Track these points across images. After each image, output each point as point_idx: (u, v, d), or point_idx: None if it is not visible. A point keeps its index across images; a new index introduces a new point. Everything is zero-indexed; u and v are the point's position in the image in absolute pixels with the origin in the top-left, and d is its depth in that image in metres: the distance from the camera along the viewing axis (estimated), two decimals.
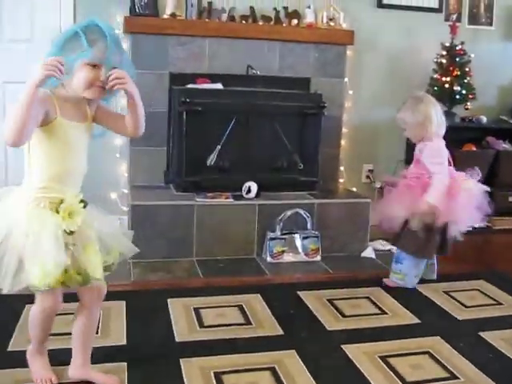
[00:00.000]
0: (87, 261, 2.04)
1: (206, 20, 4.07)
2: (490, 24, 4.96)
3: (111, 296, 2.99)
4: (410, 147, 4.65)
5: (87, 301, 2.21)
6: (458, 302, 3.20)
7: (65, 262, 1.94)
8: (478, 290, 3.40)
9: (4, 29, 4.01)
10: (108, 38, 1.94)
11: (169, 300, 3.01)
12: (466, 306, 3.14)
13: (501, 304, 3.20)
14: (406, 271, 3.30)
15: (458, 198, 3.20)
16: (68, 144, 2.03)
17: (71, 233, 1.99)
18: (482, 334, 2.78)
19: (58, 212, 1.99)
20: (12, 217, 1.99)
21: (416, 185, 3.23)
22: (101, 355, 2.40)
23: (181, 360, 2.40)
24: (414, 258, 3.28)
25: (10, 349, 2.45)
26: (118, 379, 2.24)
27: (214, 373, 2.33)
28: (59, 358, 2.31)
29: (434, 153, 3.23)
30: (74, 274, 2.03)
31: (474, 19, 4.92)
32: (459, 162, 4.54)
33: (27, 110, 1.80)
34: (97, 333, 2.58)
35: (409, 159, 4.69)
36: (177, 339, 2.61)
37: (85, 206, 2.05)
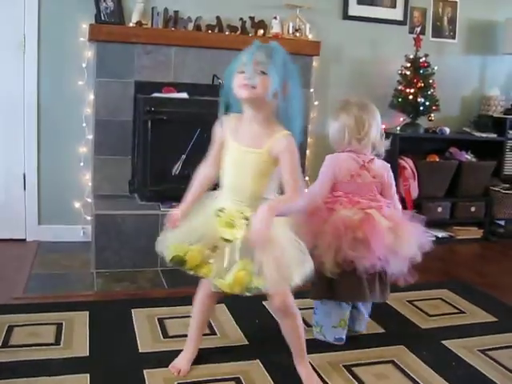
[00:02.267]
0: (227, 271, 2.13)
1: (172, 29, 4.05)
2: (453, 37, 5.04)
3: (74, 306, 2.99)
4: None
5: (271, 306, 2.43)
6: (422, 311, 3.23)
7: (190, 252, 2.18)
8: (441, 299, 3.43)
9: None
10: (253, 47, 2.11)
11: (133, 310, 2.98)
12: (430, 315, 3.17)
13: (463, 313, 3.24)
14: (321, 321, 2.82)
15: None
16: (233, 163, 2.21)
17: (226, 241, 2.14)
18: (444, 342, 2.81)
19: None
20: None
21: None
22: (63, 367, 2.38)
23: (144, 371, 2.38)
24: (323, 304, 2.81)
25: None
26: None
27: (178, 383, 2.31)
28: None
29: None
30: (209, 271, 2.19)
31: (437, 32, 4.99)
32: (423, 173, 4.63)
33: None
34: (59, 344, 2.57)
35: None
36: (140, 350, 2.58)
37: (248, 224, 2.11)
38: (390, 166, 2.85)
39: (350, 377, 2.44)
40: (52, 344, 2.58)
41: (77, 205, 4.14)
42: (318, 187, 2.74)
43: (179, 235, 2.25)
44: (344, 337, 2.78)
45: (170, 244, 2.24)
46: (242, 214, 2.14)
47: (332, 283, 2.62)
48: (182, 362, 2.44)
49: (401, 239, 2.61)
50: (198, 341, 2.51)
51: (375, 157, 2.79)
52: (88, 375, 2.32)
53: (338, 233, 2.54)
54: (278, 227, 2.14)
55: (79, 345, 2.59)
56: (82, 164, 4.11)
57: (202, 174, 2.36)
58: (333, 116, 2.83)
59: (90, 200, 4.08)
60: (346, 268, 2.54)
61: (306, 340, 2.60)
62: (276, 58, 2.09)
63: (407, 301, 3.35)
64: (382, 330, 2.94)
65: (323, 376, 2.42)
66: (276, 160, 2.14)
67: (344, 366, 2.53)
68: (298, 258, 2.15)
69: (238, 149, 2.18)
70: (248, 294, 2.14)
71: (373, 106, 2.82)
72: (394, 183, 2.84)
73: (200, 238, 2.19)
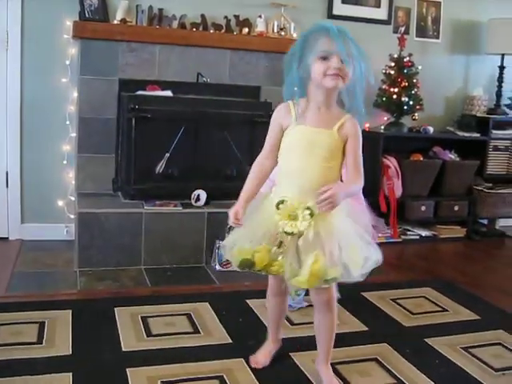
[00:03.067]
0: (297, 265, 2.09)
1: (157, 27, 4.04)
2: (437, 37, 5.07)
3: (57, 305, 2.97)
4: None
5: (314, 303, 2.34)
6: (405, 309, 3.24)
7: (254, 250, 2.12)
8: (425, 297, 3.45)
9: None
10: (331, 31, 2.04)
11: (116, 309, 2.97)
12: (413, 313, 3.18)
13: (446, 311, 3.25)
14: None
15: None
16: (301, 146, 2.15)
17: (290, 234, 2.08)
18: (427, 340, 2.83)
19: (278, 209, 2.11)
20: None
21: None
22: (45, 366, 2.36)
23: (127, 370, 2.36)
24: None
25: None
26: None
27: (162, 382, 2.30)
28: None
29: None
30: (279, 268, 2.13)
31: (421, 32, 5.02)
32: (407, 172, 4.65)
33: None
34: (41, 343, 2.56)
35: None
36: (123, 348, 2.57)
37: (311, 215, 2.07)
38: None
39: (334, 374, 2.44)
40: (34, 343, 2.56)
41: (60, 203, 4.11)
42: None
43: (242, 237, 2.19)
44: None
45: (235, 249, 2.19)
46: (304, 204, 2.09)
47: None
48: (261, 354, 2.50)
49: None
50: (277, 334, 2.53)
51: None
52: (71, 374, 2.30)
53: None
54: (341, 218, 2.13)
55: (62, 344, 2.57)
56: (65, 162, 4.08)
57: (259, 166, 2.25)
58: None
59: (73, 198, 4.05)
60: None
61: (285, 339, 2.62)
62: (359, 48, 2.10)
63: (391, 299, 3.36)
64: (365, 328, 2.95)
65: (307, 374, 2.42)
66: (344, 141, 2.14)
67: None
68: (364, 248, 2.14)
69: (308, 130, 2.13)
70: (325, 286, 2.16)
71: None
72: None
73: (264, 236, 2.13)
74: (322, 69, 2.04)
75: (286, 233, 2.09)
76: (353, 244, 2.11)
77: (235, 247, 2.19)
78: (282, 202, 2.11)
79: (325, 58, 2.04)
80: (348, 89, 2.12)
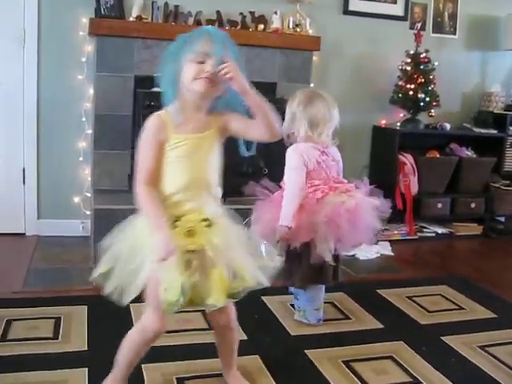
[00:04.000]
0: (205, 284, 1.94)
1: (172, 23, 4.04)
2: (454, 33, 5.03)
3: (72, 301, 2.99)
4: (376, 153, 4.71)
5: (213, 325, 2.24)
6: (421, 306, 3.22)
7: (184, 283, 1.91)
8: (441, 295, 3.43)
9: None
10: (212, 33, 1.97)
11: (131, 305, 2.96)
12: (429, 311, 3.17)
13: (463, 309, 3.23)
14: (304, 306, 2.94)
15: (329, 214, 2.69)
16: (184, 157, 1.98)
17: (192, 251, 1.93)
18: (444, 338, 2.81)
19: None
20: (138, 231, 2.00)
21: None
22: (61, 361, 2.37)
23: (143, 366, 2.36)
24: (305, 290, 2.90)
25: None
26: None
27: (177, 378, 2.31)
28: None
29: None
30: (190, 293, 1.95)
31: (438, 28, 4.98)
32: (423, 168, 4.62)
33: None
34: (57, 338, 2.58)
35: (373, 165, 4.74)
36: None
37: (209, 226, 1.97)
38: None
39: (349, 372, 2.43)
40: (50, 338, 2.58)
41: (76, 199, 4.13)
42: (298, 180, 2.79)
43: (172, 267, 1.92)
44: (322, 317, 2.94)
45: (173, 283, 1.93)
46: (199, 216, 1.97)
47: (322, 269, 2.76)
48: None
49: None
50: (126, 376, 2.19)
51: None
52: (86, 369, 2.32)
53: (335, 223, 2.67)
54: (235, 229, 2.05)
55: (78, 339, 2.59)
56: (81, 159, 4.10)
57: (150, 194, 1.98)
58: (295, 106, 2.92)
59: (89, 194, 4.07)
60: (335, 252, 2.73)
61: (299, 336, 2.60)
62: (239, 58, 2.03)
63: (406, 296, 3.35)
64: (381, 326, 2.94)
65: (322, 371, 2.42)
66: (224, 131, 2.05)
67: (343, 361, 2.52)
68: (258, 256, 2.06)
69: (190, 138, 1.98)
70: (233, 301, 2.08)
71: (333, 101, 2.98)
72: None
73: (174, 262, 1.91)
74: (193, 72, 1.93)
75: (189, 251, 1.93)
76: (248, 253, 2.02)
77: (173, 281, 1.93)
78: (176, 220, 1.95)
79: (200, 62, 1.93)
80: (226, 101, 2.04)
